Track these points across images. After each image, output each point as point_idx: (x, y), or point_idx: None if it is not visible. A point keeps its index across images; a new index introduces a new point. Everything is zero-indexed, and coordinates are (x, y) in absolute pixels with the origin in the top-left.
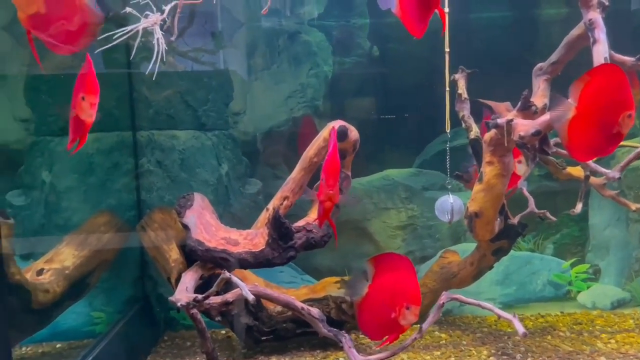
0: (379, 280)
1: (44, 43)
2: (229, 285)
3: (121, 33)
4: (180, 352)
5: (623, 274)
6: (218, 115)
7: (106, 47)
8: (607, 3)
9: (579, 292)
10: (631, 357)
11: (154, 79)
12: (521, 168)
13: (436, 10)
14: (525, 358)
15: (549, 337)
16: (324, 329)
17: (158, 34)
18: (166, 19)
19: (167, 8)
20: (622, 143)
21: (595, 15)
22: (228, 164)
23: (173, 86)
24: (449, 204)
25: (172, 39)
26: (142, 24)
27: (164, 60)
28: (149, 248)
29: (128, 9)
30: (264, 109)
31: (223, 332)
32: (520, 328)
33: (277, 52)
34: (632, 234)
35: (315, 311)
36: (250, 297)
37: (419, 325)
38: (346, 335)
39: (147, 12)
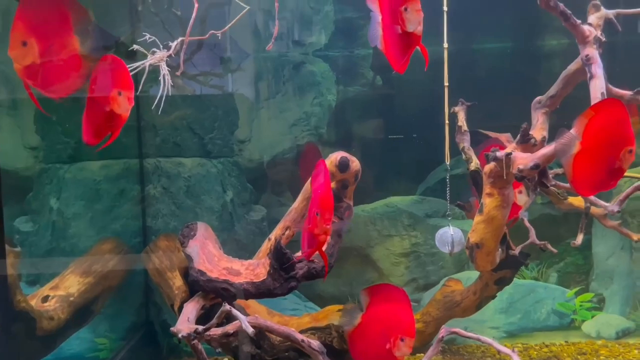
0: (373, 311)
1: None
2: (231, 316)
3: (129, 69)
4: None
5: (628, 303)
6: (224, 143)
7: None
8: (603, 39)
9: (583, 321)
10: None
11: (159, 113)
12: (522, 198)
13: (418, 47)
14: None
15: None
16: None
17: (164, 70)
18: (172, 55)
19: (173, 44)
20: (626, 173)
21: (592, 51)
22: (233, 191)
23: (180, 112)
24: (450, 235)
25: (178, 74)
26: (149, 60)
27: (172, 85)
28: (153, 275)
29: (135, 47)
30: (269, 137)
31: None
32: None
33: (282, 82)
34: (636, 263)
35: (315, 344)
36: (250, 331)
37: (420, 357)
38: None
39: (154, 49)
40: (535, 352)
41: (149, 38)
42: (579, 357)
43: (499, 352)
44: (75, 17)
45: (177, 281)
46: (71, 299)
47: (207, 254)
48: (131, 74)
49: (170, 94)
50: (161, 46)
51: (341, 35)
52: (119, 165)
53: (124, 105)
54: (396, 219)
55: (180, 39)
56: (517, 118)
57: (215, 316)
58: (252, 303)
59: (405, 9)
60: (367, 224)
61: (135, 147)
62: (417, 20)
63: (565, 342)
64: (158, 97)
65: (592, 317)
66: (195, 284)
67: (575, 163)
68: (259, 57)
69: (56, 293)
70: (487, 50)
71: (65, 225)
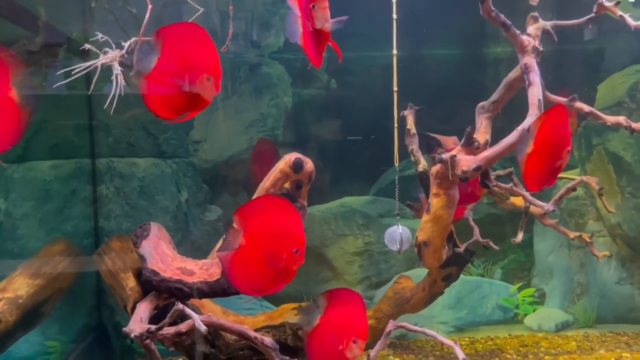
0: (330, 313)
1: None
2: (184, 315)
3: (80, 69)
4: None
5: (566, 297)
6: (179, 143)
7: (65, 81)
8: (541, 48)
9: (525, 315)
10: None
11: (112, 112)
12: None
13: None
14: None
15: (497, 359)
16: (277, 358)
17: (117, 70)
18: (126, 55)
19: (126, 44)
20: (561, 175)
21: (530, 60)
22: (188, 191)
23: (134, 112)
24: (398, 234)
25: (132, 74)
26: (101, 59)
27: (126, 84)
28: (105, 276)
29: (87, 46)
30: (225, 138)
31: None
32: (460, 354)
33: (239, 83)
34: (574, 260)
35: (268, 340)
36: (203, 329)
37: (368, 352)
38: None
39: (107, 49)
40: (481, 346)
41: (102, 37)
42: (521, 349)
43: (442, 344)
44: (13, 70)
45: (131, 282)
46: (20, 301)
47: (161, 254)
48: (82, 73)
49: (123, 93)
50: (114, 45)
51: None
52: (70, 165)
53: (210, 91)
54: (350, 219)
55: (134, 38)
56: (464, 122)
57: (168, 315)
58: (207, 303)
59: (314, 7)
60: (322, 223)
61: (87, 146)
62: (324, 17)
63: (509, 335)
64: (110, 97)
65: (534, 311)
66: (148, 284)
67: (528, 161)
68: None
69: (4, 295)
70: (436, 57)
71: (13, 227)
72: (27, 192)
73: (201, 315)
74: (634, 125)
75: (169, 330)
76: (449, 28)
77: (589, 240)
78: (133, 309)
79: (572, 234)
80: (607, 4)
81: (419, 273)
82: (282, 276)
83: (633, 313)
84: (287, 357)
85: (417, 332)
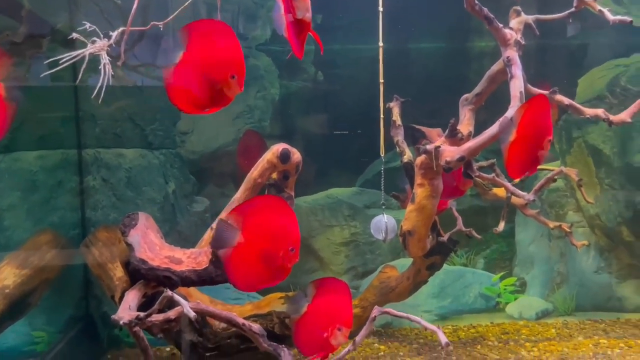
0: (317, 302)
1: None
2: (173, 303)
3: (67, 58)
4: None
5: (546, 286)
6: (165, 134)
7: (53, 70)
8: (523, 42)
9: (507, 303)
10: None
11: (99, 102)
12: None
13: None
14: None
15: (479, 346)
16: (264, 344)
17: (105, 59)
18: (113, 45)
19: (114, 34)
20: (541, 166)
21: (512, 53)
22: (175, 182)
23: (121, 103)
24: (384, 223)
25: (119, 64)
26: (89, 49)
27: (113, 76)
28: (93, 266)
29: (75, 35)
30: (211, 129)
31: (167, 349)
32: (443, 339)
33: None
34: (554, 250)
35: (255, 327)
36: (192, 315)
37: (353, 339)
38: (285, 349)
39: (94, 38)
40: (464, 333)
41: (89, 27)
42: (502, 336)
43: (425, 329)
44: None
45: (118, 272)
46: (7, 291)
47: (149, 243)
48: (69, 63)
49: (110, 84)
50: (102, 35)
51: None
52: (57, 156)
53: (234, 89)
54: (336, 210)
55: (121, 28)
56: (447, 114)
57: (157, 302)
58: (194, 292)
59: None
60: (308, 214)
61: (74, 137)
62: (305, 7)
63: (491, 323)
64: (98, 87)
65: (515, 299)
66: (137, 273)
67: (510, 149)
68: None
69: None
70: (422, 50)
71: None
72: (13, 182)
73: (190, 302)
74: (612, 117)
75: (157, 317)
76: (435, 22)
77: (568, 230)
78: (121, 298)
79: (552, 224)
80: None
81: (404, 263)
82: (278, 273)
83: (610, 301)
84: (275, 343)
85: (401, 317)
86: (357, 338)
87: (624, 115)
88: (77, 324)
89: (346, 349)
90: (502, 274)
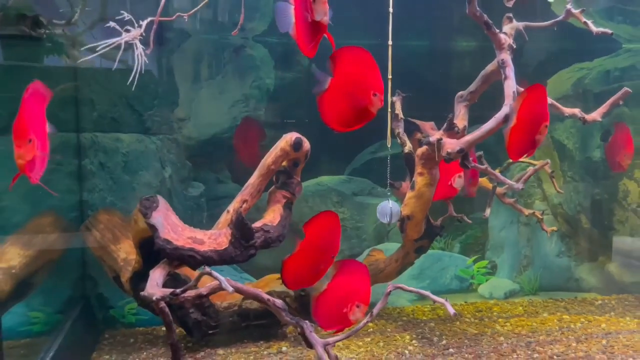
0: (337, 280)
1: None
2: (177, 282)
3: (103, 45)
4: (124, 348)
5: (514, 268)
6: (163, 120)
7: (92, 56)
8: (514, 46)
9: (479, 284)
10: (523, 336)
11: (133, 89)
12: (460, 182)
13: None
14: (441, 340)
15: (457, 322)
16: (287, 317)
17: (139, 48)
18: (143, 34)
19: (144, 23)
20: (520, 159)
21: (506, 56)
22: (172, 168)
23: (119, 89)
24: (389, 208)
25: (148, 51)
26: (124, 37)
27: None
28: (94, 248)
29: (112, 24)
30: (208, 116)
31: (164, 328)
32: (451, 310)
33: (223, 64)
34: (522, 235)
35: (279, 302)
36: (230, 289)
37: (371, 311)
38: (307, 322)
39: (128, 27)
40: (442, 311)
41: (127, 16)
42: (477, 314)
43: (434, 302)
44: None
45: (122, 253)
46: (13, 271)
47: (172, 224)
48: (105, 50)
49: (143, 70)
50: (136, 24)
51: None
52: (55, 139)
53: (377, 105)
54: (326, 197)
55: (149, 18)
56: (439, 109)
57: (194, 278)
58: (195, 274)
59: (314, 1)
60: (300, 201)
61: (73, 121)
62: (324, 11)
63: (465, 302)
64: (133, 74)
65: (486, 281)
66: (162, 252)
67: (511, 133)
68: (199, 39)
69: None
70: (411, 48)
71: None
72: (12, 165)
73: (225, 278)
74: (587, 116)
75: (190, 293)
76: (422, 21)
77: (540, 217)
78: (132, 278)
79: (526, 212)
80: (574, 11)
81: (388, 247)
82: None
83: (569, 282)
84: (296, 317)
85: (412, 292)
86: (374, 310)
87: (596, 115)
88: (75, 305)
89: (364, 321)
90: (475, 257)
